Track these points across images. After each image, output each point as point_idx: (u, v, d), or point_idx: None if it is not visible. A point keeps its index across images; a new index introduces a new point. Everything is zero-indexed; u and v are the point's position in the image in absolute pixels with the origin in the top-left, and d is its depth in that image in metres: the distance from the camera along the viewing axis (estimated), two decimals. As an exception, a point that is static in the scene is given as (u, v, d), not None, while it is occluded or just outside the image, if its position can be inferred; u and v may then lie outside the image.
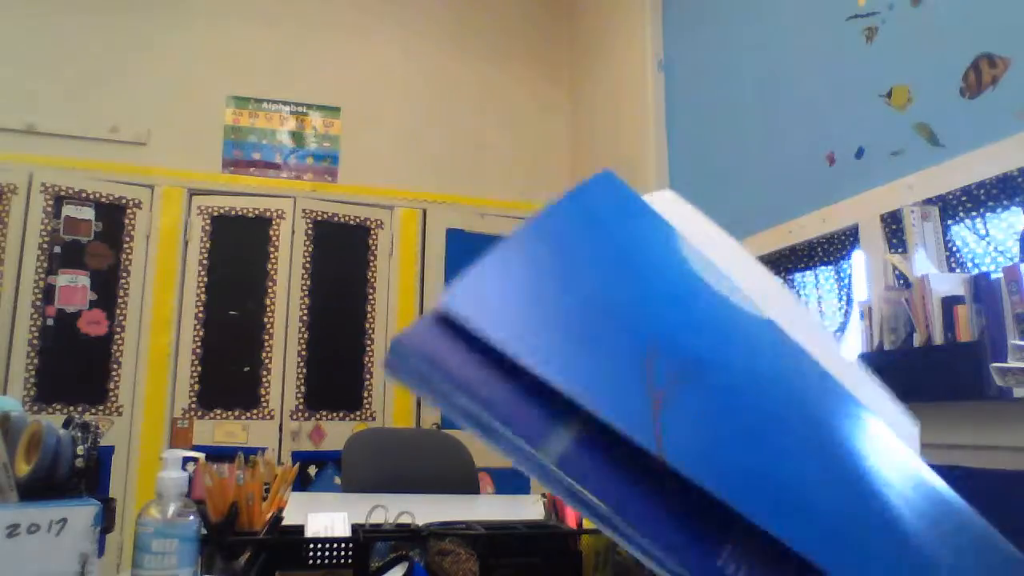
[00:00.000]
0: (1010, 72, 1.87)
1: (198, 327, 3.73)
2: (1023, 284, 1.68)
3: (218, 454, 3.42)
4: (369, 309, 4.00)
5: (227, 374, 3.74)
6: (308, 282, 3.91)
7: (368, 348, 3.97)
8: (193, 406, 3.67)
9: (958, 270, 2.02)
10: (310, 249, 3.95)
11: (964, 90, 1.99)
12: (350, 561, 1.08)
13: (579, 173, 4.39)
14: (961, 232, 2.06)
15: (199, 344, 3.72)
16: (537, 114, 4.51)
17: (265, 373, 3.77)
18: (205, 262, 3.80)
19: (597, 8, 4.29)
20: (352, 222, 4.06)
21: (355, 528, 1.14)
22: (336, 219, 4.03)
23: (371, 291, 4.02)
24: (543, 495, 1.63)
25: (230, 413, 3.70)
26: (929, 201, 2.09)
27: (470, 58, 4.40)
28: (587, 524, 1.37)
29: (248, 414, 3.72)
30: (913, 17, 2.19)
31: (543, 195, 4.41)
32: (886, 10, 2.29)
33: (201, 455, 1.22)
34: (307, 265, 3.93)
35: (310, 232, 3.97)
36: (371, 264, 4.05)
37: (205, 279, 3.79)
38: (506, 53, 4.48)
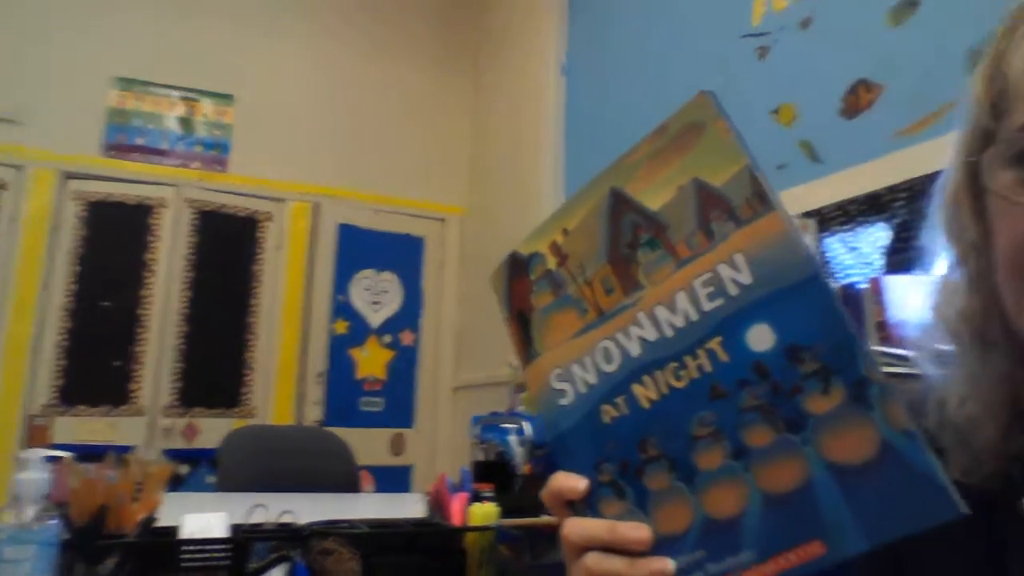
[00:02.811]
0: (883, 97, 2.00)
1: (65, 317, 3.49)
2: (884, 295, 1.79)
3: (82, 453, 3.19)
4: (253, 304, 3.86)
5: (95, 368, 3.51)
6: (190, 274, 3.73)
7: (250, 344, 3.82)
8: (54, 402, 3.43)
9: (830, 280, 2.13)
10: (194, 240, 3.77)
11: (843, 111, 2.11)
12: (228, 563, 1.03)
13: (478, 173, 4.39)
14: (834, 244, 2.18)
15: (65, 336, 3.48)
16: (439, 111, 4.47)
17: (137, 367, 3.57)
18: (78, 249, 3.56)
19: (504, 6, 4.29)
20: (240, 214, 3.90)
21: (234, 528, 1.08)
22: (223, 210, 3.86)
23: (256, 285, 3.88)
24: (426, 493, 1.61)
25: (96, 409, 3.48)
26: (807, 214, 2.20)
27: (372, 51, 4.31)
28: (470, 522, 1.37)
29: (116, 410, 3.51)
30: (802, 39, 2.30)
31: (441, 194, 4.38)
32: (778, 30, 2.41)
33: (68, 454, 1.13)
34: (190, 257, 3.75)
35: (195, 223, 3.79)
36: (258, 258, 3.91)
37: (77, 267, 3.54)
38: (409, 46, 4.41)
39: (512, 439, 2.45)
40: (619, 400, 0.47)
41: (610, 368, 0.48)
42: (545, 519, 1.46)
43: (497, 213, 4.06)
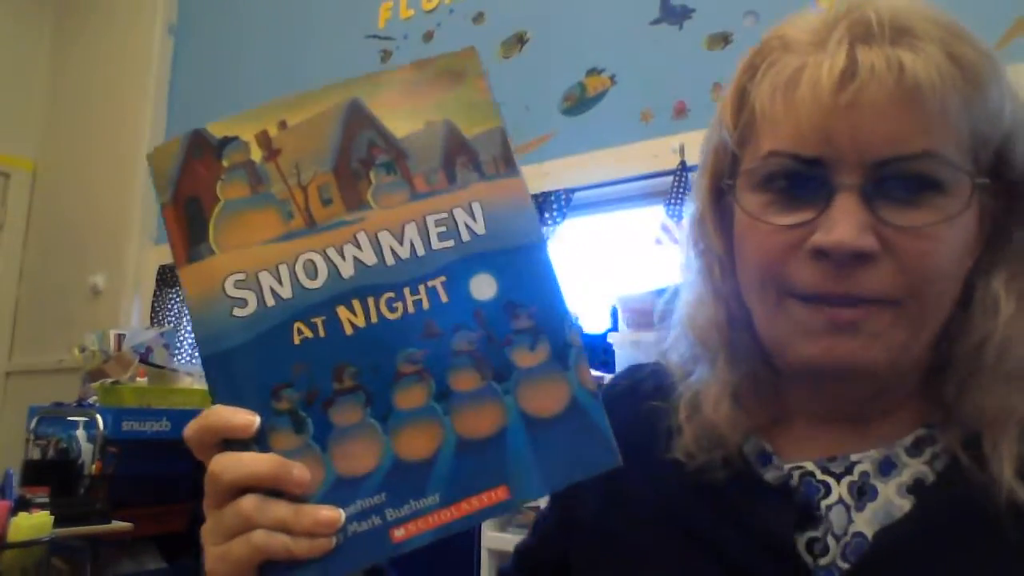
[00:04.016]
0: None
1: None
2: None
3: None
4: None
5: None
6: None
7: None
8: None
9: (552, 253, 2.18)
10: None
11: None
12: None
13: (59, 126, 3.68)
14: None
15: None
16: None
17: None
18: None
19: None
20: None
21: None
22: None
23: None
24: None
25: None
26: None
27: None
28: (11, 538, 1.11)
29: None
30: (422, 52, 2.42)
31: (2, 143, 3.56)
32: (401, 39, 2.49)
33: None
34: None
35: None
36: None
37: None
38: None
39: (80, 434, 2.06)
40: (317, 321, 0.43)
41: (313, 284, 0.43)
42: (116, 526, 1.23)
43: (83, 172, 3.49)
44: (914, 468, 0.51)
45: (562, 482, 0.42)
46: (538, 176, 1.99)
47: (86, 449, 2.04)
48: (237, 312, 0.43)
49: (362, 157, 0.44)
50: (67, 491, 1.81)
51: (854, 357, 0.48)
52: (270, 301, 0.43)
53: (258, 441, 0.42)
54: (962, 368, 0.50)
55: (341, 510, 0.41)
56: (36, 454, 2.15)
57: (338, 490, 0.41)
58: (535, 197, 1.70)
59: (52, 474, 1.88)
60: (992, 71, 0.48)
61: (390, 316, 0.43)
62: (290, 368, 0.42)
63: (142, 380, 2.38)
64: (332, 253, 0.43)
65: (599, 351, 1.74)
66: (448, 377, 0.42)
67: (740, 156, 0.53)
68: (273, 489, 0.40)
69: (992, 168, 0.49)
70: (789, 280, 0.49)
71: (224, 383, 0.43)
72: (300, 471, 0.41)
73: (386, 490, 0.42)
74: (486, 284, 0.43)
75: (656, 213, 1.81)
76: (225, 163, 0.44)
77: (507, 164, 0.44)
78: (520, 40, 2.23)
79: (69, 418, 2.20)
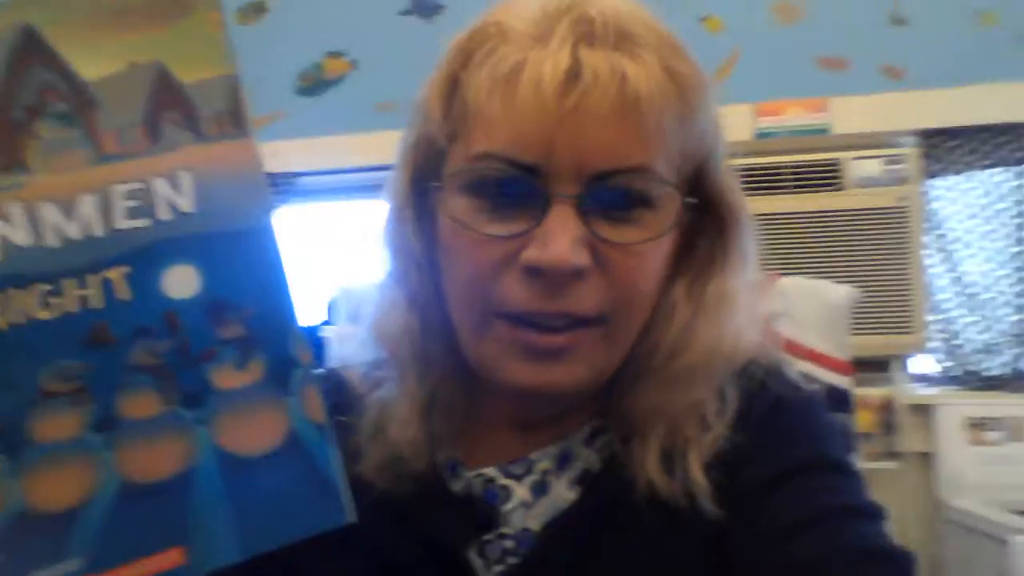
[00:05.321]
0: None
1: None
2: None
3: None
4: None
5: None
6: None
7: None
8: None
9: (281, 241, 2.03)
10: None
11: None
12: None
13: None
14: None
15: None
16: None
17: None
18: None
19: None
20: None
21: None
22: None
23: None
24: None
25: None
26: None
27: None
28: None
29: None
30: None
31: None
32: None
33: None
34: None
35: None
36: None
37: None
38: None
39: None
40: None
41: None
42: None
43: None
44: (585, 459, 0.52)
45: (266, 544, 0.33)
46: (264, 156, 1.84)
47: None
48: None
49: (29, 103, 0.32)
50: None
51: (564, 380, 0.47)
52: None
53: None
54: (633, 369, 0.50)
55: None
56: None
57: None
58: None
59: None
60: (704, 90, 0.48)
61: (42, 315, 0.31)
62: None
63: None
64: (-33, 227, 0.31)
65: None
66: (116, 400, 0.32)
67: (447, 152, 0.48)
68: None
69: (691, 186, 0.50)
70: (498, 298, 0.46)
71: None
72: None
73: (6, 551, 0.30)
74: (185, 278, 0.33)
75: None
76: None
77: (235, 124, 0.34)
78: (258, 9, 2.04)
79: None
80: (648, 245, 0.46)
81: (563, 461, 0.52)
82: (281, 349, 0.34)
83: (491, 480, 0.52)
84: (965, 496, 1.44)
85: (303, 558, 0.49)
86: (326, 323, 1.66)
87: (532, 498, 0.51)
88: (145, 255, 0.33)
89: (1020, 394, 1.56)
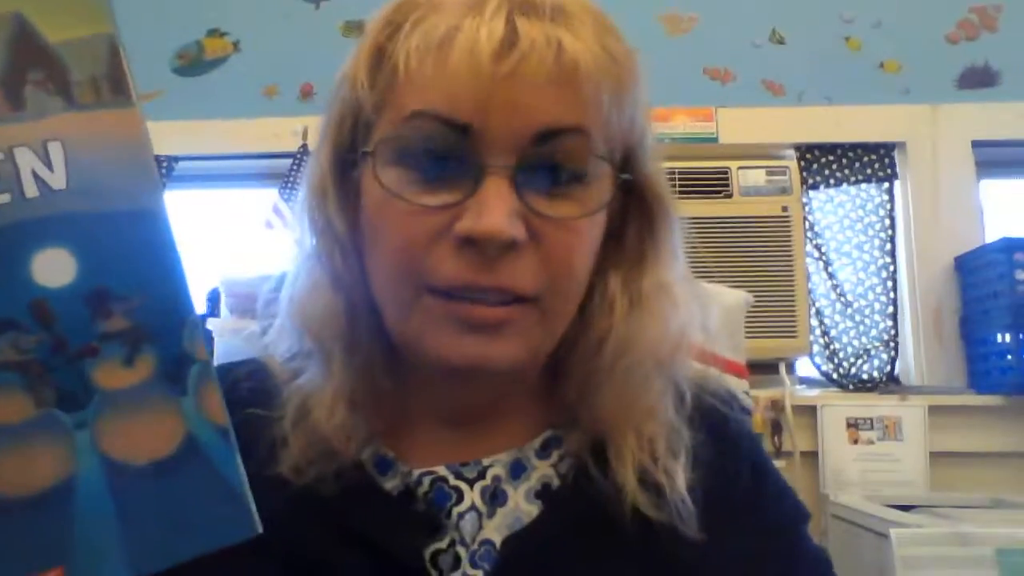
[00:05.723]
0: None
1: None
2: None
3: None
4: None
5: None
6: None
7: None
8: None
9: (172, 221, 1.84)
10: None
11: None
12: None
13: None
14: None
15: None
16: None
17: None
18: None
19: None
20: None
21: None
22: None
23: None
24: None
25: None
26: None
27: None
28: None
29: None
30: None
31: None
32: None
33: None
34: None
35: None
36: None
37: None
38: None
39: None
40: None
41: None
42: None
43: None
44: (542, 471, 0.50)
45: (160, 561, 0.29)
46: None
47: None
48: None
49: None
50: None
51: (498, 356, 0.45)
52: None
53: None
54: (581, 369, 0.50)
55: None
56: None
57: None
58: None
59: None
60: (637, 72, 0.48)
61: None
62: None
63: None
64: None
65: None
66: None
67: (375, 123, 0.47)
68: None
69: (622, 168, 0.49)
70: (429, 271, 0.44)
71: None
72: None
73: None
74: (59, 263, 0.29)
75: (270, 195, 1.69)
76: None
77: (116, 89, 0.30)
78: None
79: None
80: (583, 221, 0.46)
81: (516, 471, 0.50)
82: (174, 343, 0.30)
83: (442, 479, 0.49)
84: (847, 492, 1.51)
85: (209, 567, 0.45)
86: (206, 316, 1.56)
87: (486, 506, 0.49)
88: (10, 237, 0.28)
89: (891, 395, 1.66)
